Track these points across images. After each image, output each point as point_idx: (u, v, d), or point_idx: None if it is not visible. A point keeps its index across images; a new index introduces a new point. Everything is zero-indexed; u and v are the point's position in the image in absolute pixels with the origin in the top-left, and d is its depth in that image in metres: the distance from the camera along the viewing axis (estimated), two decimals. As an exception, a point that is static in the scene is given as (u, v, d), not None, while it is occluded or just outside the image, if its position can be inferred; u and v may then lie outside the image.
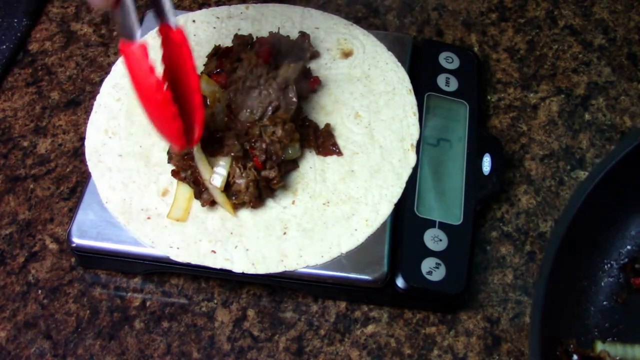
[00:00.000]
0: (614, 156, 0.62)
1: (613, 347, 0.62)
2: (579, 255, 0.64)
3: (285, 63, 0.73)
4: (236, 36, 0.77)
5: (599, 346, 0.62)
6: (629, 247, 0.68)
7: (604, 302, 0.66)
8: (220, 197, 0.67)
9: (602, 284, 0.66)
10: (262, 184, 0.67)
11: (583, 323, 0.64)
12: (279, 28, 0.77)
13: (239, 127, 0.68)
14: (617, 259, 0.67)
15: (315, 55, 0.78)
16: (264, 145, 0.67)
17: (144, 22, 0.82)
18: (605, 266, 0.67)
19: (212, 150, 0.68)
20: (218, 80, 0.72)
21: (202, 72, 0.75)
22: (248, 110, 0.69)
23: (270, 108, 0.69)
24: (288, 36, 0.77)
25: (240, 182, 0.67)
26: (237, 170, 0.67)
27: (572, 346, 0.60)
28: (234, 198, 0.67)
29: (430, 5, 0.91)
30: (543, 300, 0.56)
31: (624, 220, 0.68)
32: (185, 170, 0.68)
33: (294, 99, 0.70)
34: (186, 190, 0.68)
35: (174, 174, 0.69)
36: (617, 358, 0.61)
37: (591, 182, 0.61)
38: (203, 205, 0.67)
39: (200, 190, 0.68)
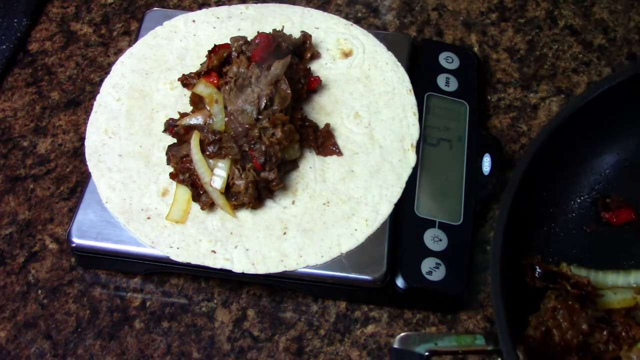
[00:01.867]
0: (602, 84, 0.63)
1: (577, 270, 0.64)
2: (551, 178, 0.66)
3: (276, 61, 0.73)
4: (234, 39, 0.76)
5: (564, 265, 0.64)
6: (601, 184, 0.70)
7: (573, 231, 0.68)
8: (220, 200, 0.67)
9: (574, 213, 0.68)
10: (261, 185, 0.67)
11: (551, 245, 0.66)
12: (283, 27, 0.77)
13: (239, 129, 0.68)
14: (589, 193, 0.69)
15: (315, 55, 0.78)
16: (263, 148, 0.67)
17: (144, 22, 0.82)
18: (578, 198, 0.69)
19: (211, 152, 0.68)
20: (209, 80, 0.72)
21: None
22: (245, 111, 0.69)
23: (263, 101, 0.69)
24: (291, 35, 0.77)
25: (240, 183, 0.67)
26: (236, 171, 0.67)
27: (536, 260, 0.62)
28: (233, 199, 0.67)
29: (430, 5, 0.91)
30: (508, 210, 0.57)
31: (598, 158, 0.70)
32: (183, 172, 0.68)
33: (288, 91, 0.70)
34: (185, 192, 0.68)
35: (172, 176, 0.69)
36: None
37: (570, 110, 0.62)
38: (202, 209, 0.67)
39: (198, 192, 0.68)
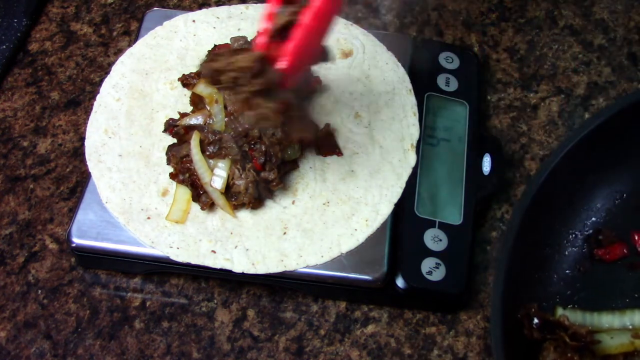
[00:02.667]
0: (582, 130, 0.64)
1: (573, 313, 0.64)
2: (544, 223, 0.66)
3: None
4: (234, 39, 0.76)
5: (559, 311, 0.64)
6: (593, 219, 0.70)
7: (567, 271, 0.68)
8: (220, 200, 0.67)
9: (566, 253, 0.68)
10: (261, 185, 0.67)
11: (546, 289, 0.66)
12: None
13: (239, 129, 0.68)
14: (581, 230, 0.69)
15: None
16: (263, 147, 0.67)
17: (144, 22, 0.82)
18: (570, 236, 0.69)
19: (211, 152, 0.68)
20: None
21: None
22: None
23: None
24: None
25: (240, 183, 0.67)
26: (236, 171, 0.67)
27: (533, 310, 0.61)
28: (233, 199, 0.67)
29: (430, 5, 0.91)
30: (507, 262, 0.57)
31: (589, 193, 0.70)
32: (183, 173, 0.68)
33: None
34: (185, 192, 0.68)
35: (172, 176, 0.69)
36: (576, 324, 0.62)
37: (559, 153, 0.63)
38: (202, 209, 0.67)
39: (198, 193, 0.68)
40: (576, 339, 0.60)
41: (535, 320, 0.61)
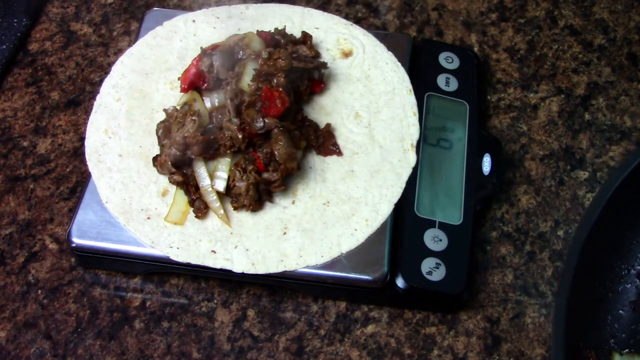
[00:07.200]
0: (631, 162, 0.61)
1: (630, 358, 0.60)
2: (598, 262, 0.62)
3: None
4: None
5: (617, 358, 0.60)
6: None
7: (620, 311, 0.63)
8: (218, 210, 0.67)
9: (619, 290, 0.64)
10: (262, 187, 0.67)
11: (599, 332, 0.62)
12: (285, 27, 0.77)
13: (236, 131, 0.68)
14: (633, 265, 0.65)
15: (315, 55, 0.78)
16: (268, 149, 0.67)
17: (144, 22, 0.82)
18: (623, 272, 0.65)
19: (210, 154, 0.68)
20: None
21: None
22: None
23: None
24: (292, 34, 0.77)
25: (241, 185, 0.66)
26: (237, 173, 0.67)
27: (591, 358, 0.58)
28: (233, 201, 0.67)
29: (430, 5, 0.91)
30: (566, 311, 0.54)
31: (637, 223, 0.65)
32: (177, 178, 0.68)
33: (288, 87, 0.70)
34: (185, 194, 0.68)
35: (172, 180, 0.69)
36: None
37: (610, 187, 0.60)
38: (197, 217, 0.67)
39: (192, 199, 0.67)
40: None
41: None
